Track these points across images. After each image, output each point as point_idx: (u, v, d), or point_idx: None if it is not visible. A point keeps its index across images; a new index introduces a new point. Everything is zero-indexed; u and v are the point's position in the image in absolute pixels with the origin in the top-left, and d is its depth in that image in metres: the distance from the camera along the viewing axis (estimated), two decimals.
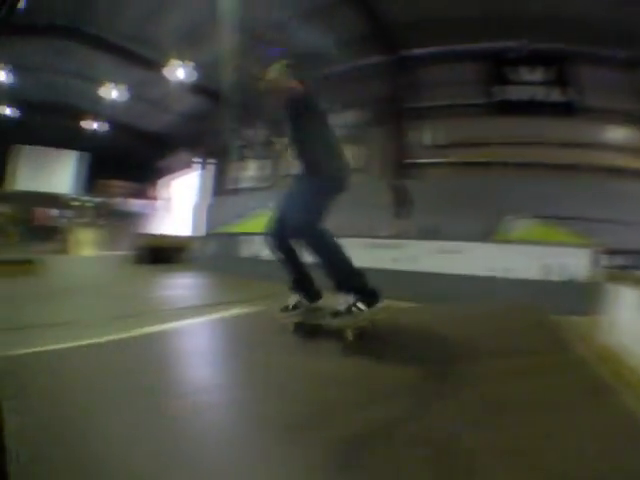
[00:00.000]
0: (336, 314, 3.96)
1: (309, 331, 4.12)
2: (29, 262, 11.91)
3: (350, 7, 18.02)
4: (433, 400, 2.63)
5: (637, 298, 4.26)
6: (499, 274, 9.11)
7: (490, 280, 8.79)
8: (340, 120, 21.34)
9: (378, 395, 2.65)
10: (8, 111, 30.02)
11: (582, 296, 5.88)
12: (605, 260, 9.74)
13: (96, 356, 3.57)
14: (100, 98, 27.86)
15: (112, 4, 20.24)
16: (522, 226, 14.39)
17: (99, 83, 26.65)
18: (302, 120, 4.42)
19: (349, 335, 3.80)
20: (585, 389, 2.87)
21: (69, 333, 4.70)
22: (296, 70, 4.58)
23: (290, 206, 4.29)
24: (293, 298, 4.41)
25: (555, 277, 9.29)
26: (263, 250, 11.32)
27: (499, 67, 18.54)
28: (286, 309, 4.35)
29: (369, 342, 3.79)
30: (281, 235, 4.33)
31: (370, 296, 4.08)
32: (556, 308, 6.18)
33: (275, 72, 4.48)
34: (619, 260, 9.96)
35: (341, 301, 4.00)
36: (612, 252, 10.14)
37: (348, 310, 3.93)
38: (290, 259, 4.40)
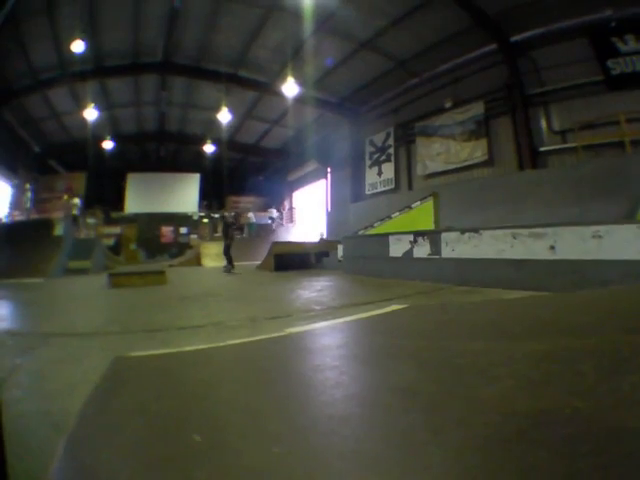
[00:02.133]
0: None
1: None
2: (162, 273, 12.43)
3: (447, 1, 17.82)
4: None
5: None
6: None
7: None
8: (462, 115, 21.55)
9: None
10: (111, 144, 31.82)
11: None
12: None
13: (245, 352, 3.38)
14: (215, 123, 29.26)
15: (204, 36, 21.45)
16: None
17: (211, 109, 28.00)
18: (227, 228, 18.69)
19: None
20: None
21: (215, 333, 4.65)
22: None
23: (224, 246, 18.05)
24: (229, 266, 17.04)
25: None
26: (413, 249, 11.41)
27: (606, 39, 17.35)
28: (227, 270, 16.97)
29: None
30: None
31: (233, 266, 17.20)
32: None
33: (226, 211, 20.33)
34: None
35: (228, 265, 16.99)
36: None
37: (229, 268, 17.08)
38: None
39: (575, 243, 7.77)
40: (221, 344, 3.63)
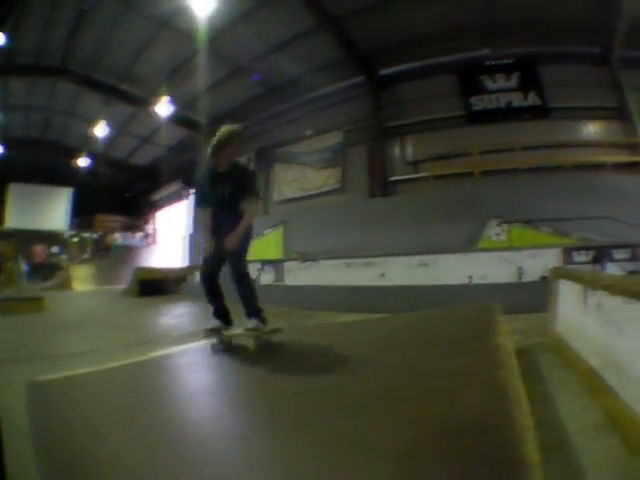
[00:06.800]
0: (248, 330, 5.20)
1: (227, 348, 5.23)
2: (40, 299, 12.62)
3: (325, 33, 18.51)
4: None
5: (574, 293, 4.88)
6: (476, 281, 9.88)
7: (466, 287, 9.58)
8: (320, 143, 22.19)
9: None
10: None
11: (544, 294, 6.50)
12: (579, 256, 10.27)
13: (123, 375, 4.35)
14: (92, 135, 28.27)
15: (99, 44, 20.79)
16: (502, 233, 14.89)
17: (91, 121, 27.19)
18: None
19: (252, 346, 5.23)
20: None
21: (98, 358, 5.53)
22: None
23: (233, 258, 5.29)
24: (215, 323, 5.48)
25: (528, 278, 9.83)
26: (260, 276, 12.39)
27: (475, 77, 18.93)
28: (211, 330, 5.44)
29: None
30: (214, 279, 5.44)
31: (264, 320, 5.30)
32: (519, 306, 6.99)
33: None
34: (591, 256, 10.38)
35: (249, 323, 5.23)
36: (584, 248, 10.65)
37: (255, 329, 5.16)
38: (219, 296, 5.50)
39: (403, 271, 9.24)
40: (105, 367, 4.54)
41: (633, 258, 10.17)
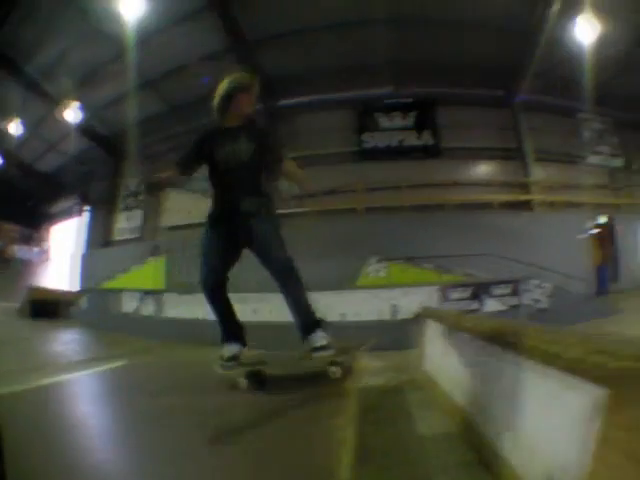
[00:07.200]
0: (318, 349, 3.78)
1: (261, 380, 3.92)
2: None
3: (233, 56, 18.91)
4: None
5: (437, 332, 5.17)
6: (350, 318, 10.51)
7: (338, 325, 10.15)
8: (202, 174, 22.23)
9: None
10: None
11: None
12: (456, 293, 11.23)
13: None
14: (6, 132, 26.89)
15: (33, 31, 19.52)
16: (382, 270, 15.39)
17: (7, 115, 25.93)
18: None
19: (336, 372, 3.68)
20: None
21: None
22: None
23: (265, 250, 4.16)
24: (232, 348, 4.11)
25: (402, 316, 10.38)
26: (141, 306, 12.67)
27: (368, 114, 19.94)
28: (230, 360, 4.05)
29: None
30: (220, 285, 4.18)
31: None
32: (392, 344, 7.69)
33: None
34: (469, 292, 11.33)
35: (316, 338, 3.81)
36: (462, 285, 11.62)
37: (330, 345, 3.78)
38: (227, 308, 4.23)
39: (275, 307, 9.45)
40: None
41: (514, 293, 11.20)
